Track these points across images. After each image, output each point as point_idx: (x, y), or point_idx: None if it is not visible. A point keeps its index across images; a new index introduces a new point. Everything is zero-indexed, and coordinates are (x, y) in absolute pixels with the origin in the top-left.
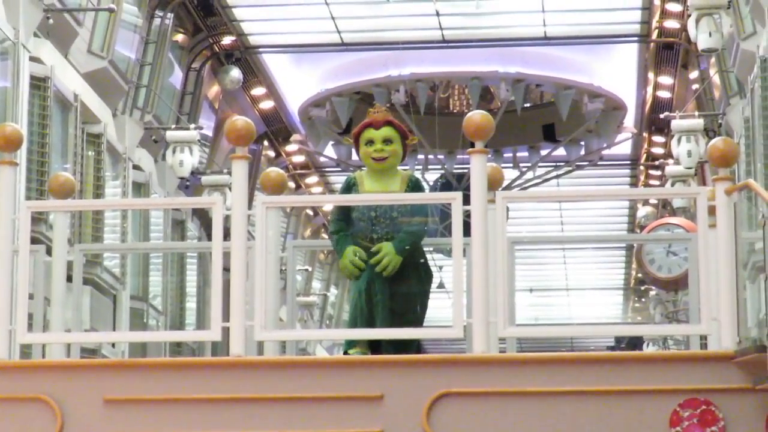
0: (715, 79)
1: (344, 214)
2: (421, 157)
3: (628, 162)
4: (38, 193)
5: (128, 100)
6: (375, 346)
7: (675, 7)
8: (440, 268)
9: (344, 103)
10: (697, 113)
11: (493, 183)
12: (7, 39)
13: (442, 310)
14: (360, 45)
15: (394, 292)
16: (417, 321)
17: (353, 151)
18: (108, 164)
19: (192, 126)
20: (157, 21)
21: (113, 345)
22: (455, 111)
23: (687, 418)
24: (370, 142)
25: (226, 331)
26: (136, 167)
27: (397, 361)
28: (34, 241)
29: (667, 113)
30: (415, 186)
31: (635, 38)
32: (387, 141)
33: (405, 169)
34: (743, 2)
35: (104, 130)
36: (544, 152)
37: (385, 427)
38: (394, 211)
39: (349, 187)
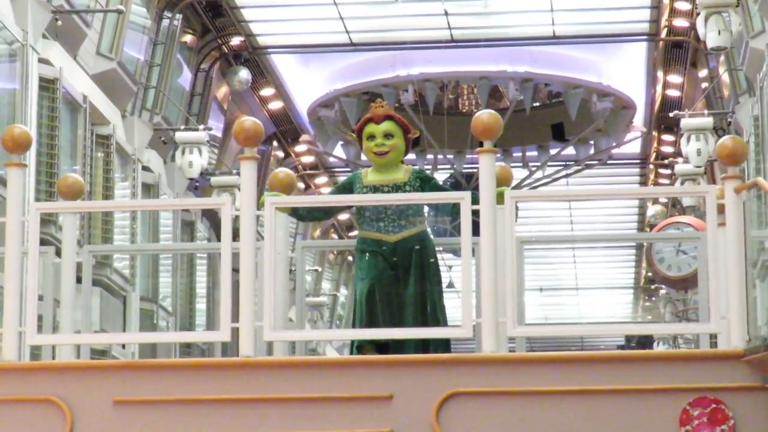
0: (724, 77)
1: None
2: (430, 156)
3: (638, 161)
4: (47, 194)
5: (137, 102)
6: (383, 350)
7: (684, 6)
8: (450, 267)
9: (353, 103)
10: (706, 111)
11: (502, 182)
12: (16, 41)
13: (451, 310)
14: (368, 45)
15: (398, 295)
16: (432, 322)
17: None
18: (117, 165)
19: (201, 127)
20: (165, 22)
21: (123, 346)
22: (464, 111)
23: (697, 417)
24: (372, 137)
25: (235, 332)
26: (145, 168)
27: (406, 360)
28: (43, 242)
29: (676, 112)
30: (420, 174)
31: (644, 37)
32: (388, 135)
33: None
34: (752, 0)
35: (113, 131)
36: (553, 151)
37: (395, 427)
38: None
39: (351, 183)
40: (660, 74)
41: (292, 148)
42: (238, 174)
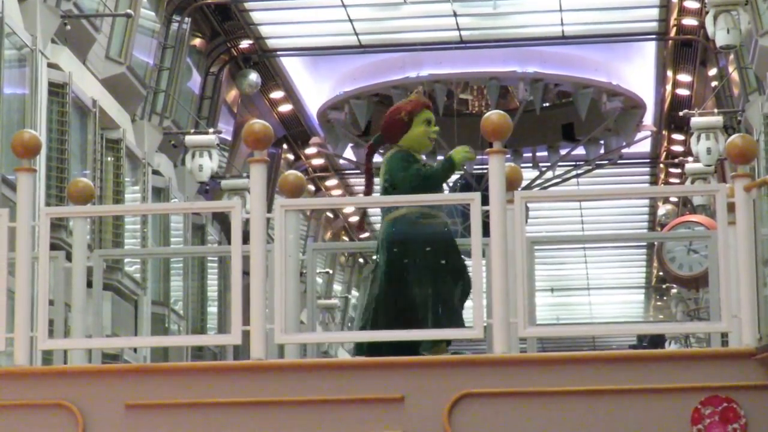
0: (734, 75)
1: None
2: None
3: (648, 160)
4: (57, 199)
5: (147, 106)
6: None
7: (693, 4)
8: None
9: (362, 105)
10: (716, 110)
11: (512, 183)
12: (25, 46)
13: (463, 311)
14: (378, 47)
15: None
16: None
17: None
18: (127, 170)
19: (211, 130)
20: (174, 26)
21: (135, 350)
22: (474, 111)
23: (709, 416)
24: (429, 123)
25: (247, 335)
26: (155, 172)
27: (417, 362)
28: (53, 247)
29: (686, 111)
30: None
31: (653, 36)
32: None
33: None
34: None
35: (123, 135)
36: (563, 152)
37: (407, 428)
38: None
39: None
40: (669, 73)
41: (302, 151)
42: (248, 177)
